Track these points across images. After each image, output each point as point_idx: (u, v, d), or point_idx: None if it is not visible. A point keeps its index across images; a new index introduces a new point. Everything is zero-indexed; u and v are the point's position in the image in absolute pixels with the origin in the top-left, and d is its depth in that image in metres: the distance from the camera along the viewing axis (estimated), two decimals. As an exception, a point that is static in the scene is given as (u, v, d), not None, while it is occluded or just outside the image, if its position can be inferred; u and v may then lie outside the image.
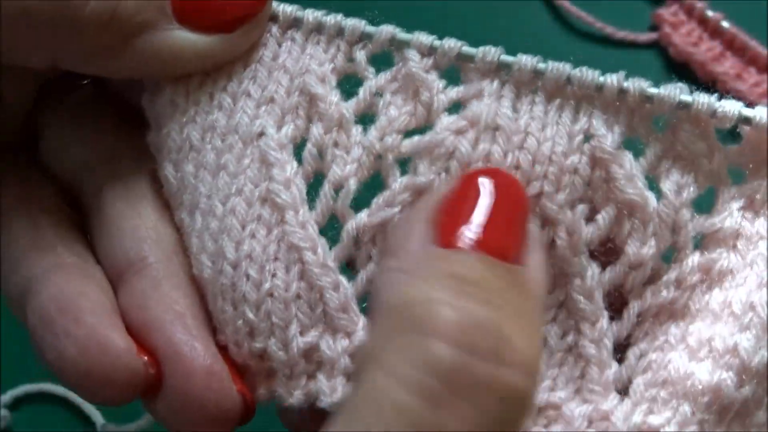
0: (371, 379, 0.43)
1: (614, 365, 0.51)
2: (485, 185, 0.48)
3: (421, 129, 0.52)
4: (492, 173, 0.49)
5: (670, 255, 0.51)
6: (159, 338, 0.50)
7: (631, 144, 0.50)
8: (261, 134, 0.52)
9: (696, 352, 0.49)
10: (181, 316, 0.51)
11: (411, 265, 0.46)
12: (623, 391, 0.51)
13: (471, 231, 0.46)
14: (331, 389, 0.52)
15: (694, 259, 0.50)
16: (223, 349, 0.52)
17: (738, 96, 1.00)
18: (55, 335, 0.50)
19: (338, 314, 0.51)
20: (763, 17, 1.06)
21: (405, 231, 0.48)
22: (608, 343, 0.50)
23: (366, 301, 0.52)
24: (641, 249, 0.50)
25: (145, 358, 0.50)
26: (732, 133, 0.50)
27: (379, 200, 0.51)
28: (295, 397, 0.52)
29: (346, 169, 0.51)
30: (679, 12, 1.09)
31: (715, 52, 1.07)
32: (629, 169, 0.50)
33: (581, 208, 0.50)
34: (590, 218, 0.51)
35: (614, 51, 1.08)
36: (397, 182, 0.51)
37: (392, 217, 0.51)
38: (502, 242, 0.46)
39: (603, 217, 0.50)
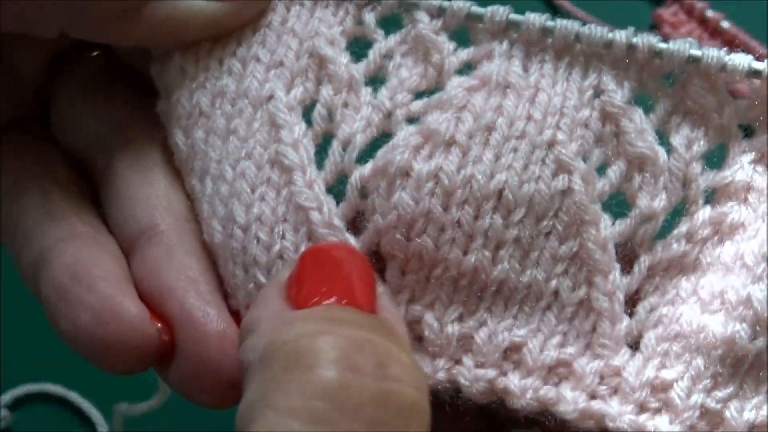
0: (261, 421, 0.43)
1: (626, 319, 0.50)
2: (327, 257, 0.48)
3: (432, 91, 0.52)
4: (326, 248, 0.49)
5: (681, 209, 0.51)
6: (172, 304, 0.50)
7: (642, 101, 0.50)
8: (270, 97, 0.51)
9: (708, 305, 0.49)
10: (193, 282, 0.51)
11: (271, 326, 0.46)
12: (634, 345, 0.51)
13: (322, 293, 0.46)
14: None
15: (705, 212, 0.50)
16: (235, 314, 0.52)
17: (738, 96, 1.00)
18: (68, 304, 0.50)
19: None
20: (763, 17, 1.07)
21: (257, 311, 0.48)
22: (620, 295, 0.50)
23: (374, 260, 0.51)
24: (652, 202, 0.50)
25: (159, 324, 0.50)
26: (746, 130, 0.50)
27: (384, 148, 0.51)
28: None
29: (354, 127, 0.51)
30: (679, 12, 1.09)
31: (714, 52, 1.07)
32: (639, 123, 0.49)
33: (597, 153, 0.50)
34: (602, 171, 0.51)
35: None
36: (404, 130, 0.50)
37: (395, 160, 0.50)
38: (353, 299, 0.46)
39: (614, 171, 0.50)
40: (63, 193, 0.55)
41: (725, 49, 0.48)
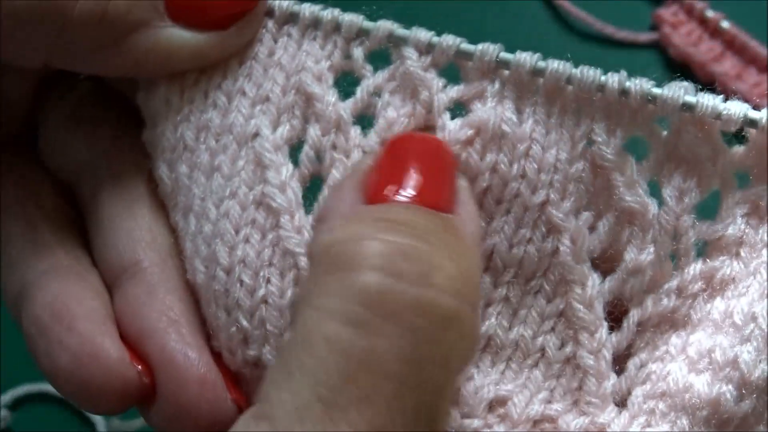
0: (302, 320, 0.43)
1: (613, 377, 0.50)
2: (408, 148, 0.48)
3: (422, 130, 0.51)
4: (411, 138, 0.49)
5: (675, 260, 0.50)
6: (153, 346, 0.50)
7: (635, 143, 0.49)
8: (256, 135, 0.51)
9: (696, 364, 0.48)
10: (175, 323, 0.50)
11: (338, 222, 0.46)
12: (623, 403, 0.50)
13: (397, 187, 0.46)
14: None
15: (695, 267, 0.50)
16: (218, 356, 0.51)
17: (738, 96, 1.00)
18: (48, 343, 0.50)
19: None
20: (763, 17, 1.06)
21: (334, 198, 0.48)
22: (607, 354, 0.50)
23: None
24: (639, 255, 0.49)
25: (139, 366, 0.50)
26: (737, 135, 0.49)
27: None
28: None
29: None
30: (679, 12, 1.09)
31: (715, 52, 1.07)
32: (630, 175, 0.49)
33: (586, 216, 0.50)
34: (592, 226, 0.50)
35: (614, 51, 1.08)
36: None
37: None
38: (431, 195, 0.46)
39: (603, 225, 0.50)
40: (48, 223, 0.54)
41: (721, 96, 0.47)
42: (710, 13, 1.08)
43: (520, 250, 0.49)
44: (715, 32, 1.07)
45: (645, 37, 1.08)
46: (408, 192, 0.46)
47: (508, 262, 0.50)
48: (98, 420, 0.96)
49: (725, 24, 1.07)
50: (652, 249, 0.49)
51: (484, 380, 0.50)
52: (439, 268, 0.43)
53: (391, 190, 0.46)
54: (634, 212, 0.49)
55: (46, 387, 0.96)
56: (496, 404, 0.50)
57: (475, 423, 0.50)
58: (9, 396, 0.95)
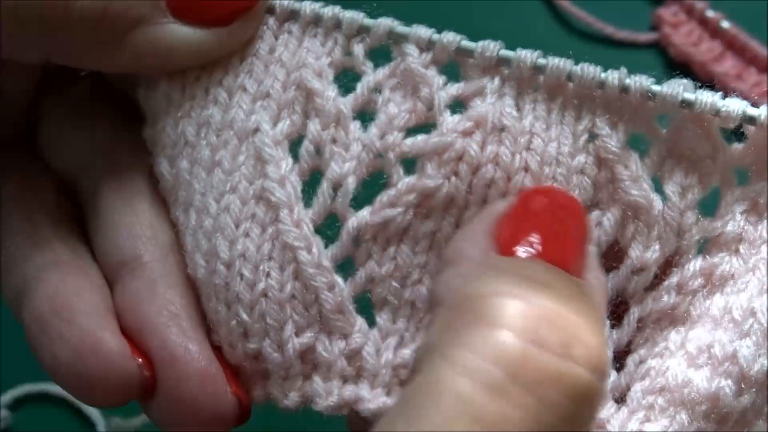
0: (431, 369, 0.42)
1: (612, 374, 0.50)
2: (545, 203, 0.47)
3: (422, 126, 0.51)
4: (549, 192, 0.48)
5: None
6: (153, 340, 0.50)
7: (636, 140, 0.49)
8: (256, 130, 0.51)
9: (695, 359, 0.48)
10: (175, 318, 0.50)
11: (472, 269, 0.45)
12: (622, 399, 0.50)
13: (532, 243, 0.45)
14: (326, 391, 0.51)
15: (696, 263, 0.49)
16: (218, 350, 0.52)
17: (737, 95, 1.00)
18: (49, 337, 0.50)
19: (334, 315, 0.50)
20: (763, 17, 1.06)
21: (463, 243, 0.47)
22: (608, 352, 0.49)
23: (363, 301, 0.51)
24: (645, 253, 0.49)
25: (140, 360, 0.50)
26: (736, 133, 0.49)
27: (383, 198, 0.50)
28: (290, 398, 0.52)
29: (344, 167, 0.50)
30: (679, 12, 1.08)
31: (715, 52, 1.07)
32: (635, 170, 0.49)
33: (595, 215, 0.50)
34: (598, 221, 0.50)
35: (614, 51, 1.08)
36: (403, 182, 0.50)
37: (396, 218, 0.50)
38: (562, 256, 0.45)
39: (608, 219, 0.49)
40: (49, 219, 0.54)
41: (720, 93, 0.47)
42: (710, 13, 1.07)
43: None
44: (715, 32, 1.07)
45: (645, 37, 1.08)
46: (536, 248, 0.45)
47: None
48: (98, 420, 0.96)
49: (725, 24, 1.07)
50: (657, 246, 0.49)
51: None
52: (580, 339, 0.42)
53: (523, 243, 0.45)
54: (640, 207, 0.49)
55: (46, 387, 0.96)
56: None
57: None
58: (9, 396, 0.95)
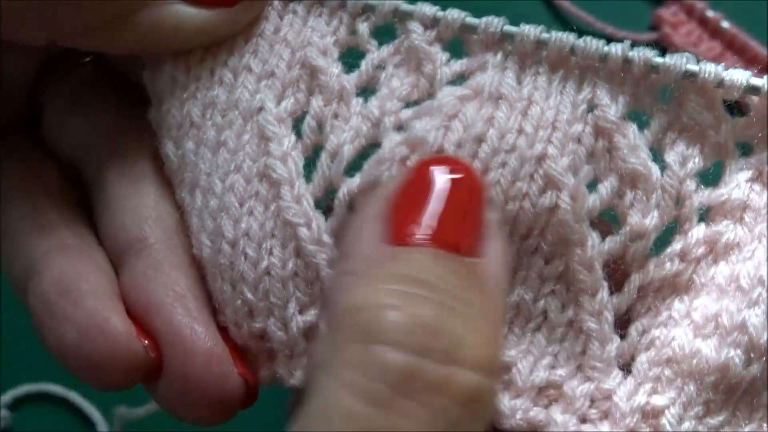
0: (321, 389, 0.42)
1: (616, 339, 0.49)
2: (437, 175, 0.46)
3: (424, 101, 0.51)
4: (443, 161, 0.47)
5: (674, 228, 0.50)
6: (159, 320, 0.50)
7: (637, 117, 0.49)
8: (260, 109, 0.51)
9: (702, 329, 0.48)
10: (181, 298, 0.50)
11: (361, 266, 0.45)
12: (626, 367, 0.50)
13: (423, 225, 0.45)
14: None
15: (699, 230, 0.49)
16: (224, 330, 0.51)
17: (744, 108, 1.00)
18: (55, 318, 0.50)
19: None
20: (763, 17, 1.06)
21: (356, 230, 0.47)
22: (609, 316, 0.49)
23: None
24: (643, 219, 0.49)
25: (146, 341, 0.50)
26: (738, 110, 0.49)
27: (370, 161, 0.50)
28: (296, 377, 0.51)
29: (342, 137, 0.50)
30: (679, 12, 1.09)
31: (715, 52, 1.07)
32: (633, 138, 0.48)
33: (586, 170, 0.49)
34: (593, 187, 0.49)
35: (614, 51, 1.08)
36: (390, 138, 0.49)
37: (382, 174, 0.49)
38: (456, 235, 0.45)
39: (605, 187, 0.49)
40: (53, 203, 0.54)
41: (723, 64, 0.47)
42: (710, 13, 1.08)
43: (516, 205, 0.48)
44: (715, 32, 1.08)
45: (645, 37, 1.08)
46: (428, 230, 0.44)
47: (504, 216, 0.48)
48: (98, 420, 0.95)
49: (725, 24, 1.07)
50: (656, 213, 0.48)
51: None
52: (463, 341, 0.42)
53: (414, 227, 0.45)
54: (638, 175, 0.48)
55: (46, 387, 0.96)
56: (500, 371, 0.50)
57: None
58: (9, 396, 0.95)
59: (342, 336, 0.43)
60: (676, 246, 0.49)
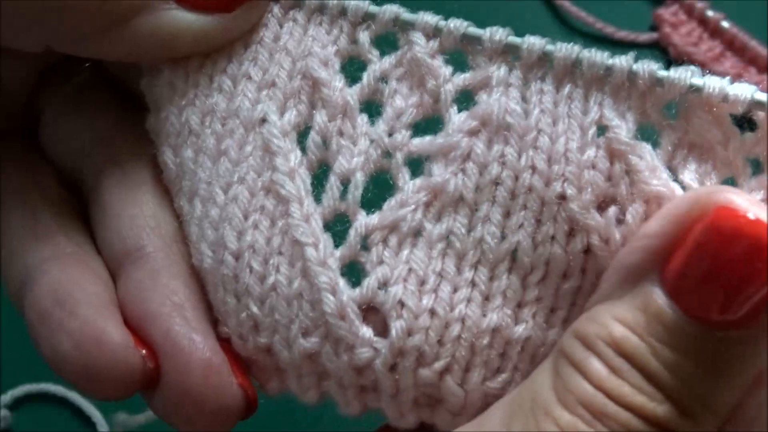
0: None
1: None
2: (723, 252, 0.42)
3: (429, 120, 0.50)
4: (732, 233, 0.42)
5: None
6: (157, 330, 0.49)
7: (645, 132, 0.48)
8: (263, 120, 0.50)
9: None
10: (179, 308, 0.50)
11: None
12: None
13: (705, 304, 0.42)
14: (344, 399, 0.50)
15: None
16: (224, 341, 0.51)
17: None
18: (50, 329, 0.49)
19: (335, 321, 0.48)
20: (763, 17, 1.06)
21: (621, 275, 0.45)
22: None
23: (370, 312, 0.49)
24: None
25: (143, 351, 0.49)
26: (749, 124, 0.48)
27: (391, 202, 0.49)
28: (309, 396, 0.51)
29: (353, 162, 0.50)
30: (679, 12, 1.09)
31: (715, 52, 1.07)
32: (650, 160, 0.47)
33: (613, 211, 0.47)
34: (620, 219, 0.47)
35: (614, 51, 1.07)
36: (410, 183, 0.49)
37: (405, 217, 0.48)
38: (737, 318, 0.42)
39: (632, 215, 0.47)
40: (51, 211, 0.54)
41: (728, 78, 0.46)
42: (710, 13, 1.08)
43: (546, 249, 0.47)
44: (715, 32, 1.07)
45: (645, 37, 1.08)
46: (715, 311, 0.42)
47: (535, 262, 0.47)
48: (99, 420, 0.95)
49: (725, 24, 1.07)
50: None
51: None
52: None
53: (697, 301, 0.42)
54: (663, 197, 0.46)
55: (46, 387, 0.96)
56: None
57: None
58: (9, 396, 0.95)
59: (564, 349, 0.44)
60: None
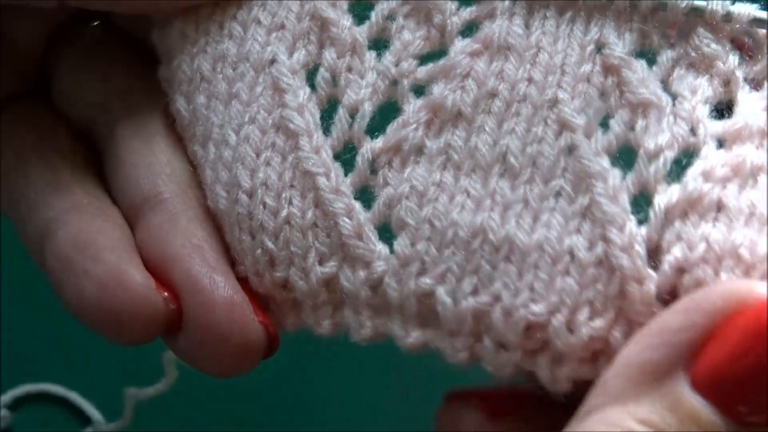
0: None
1: (652, 276, 0.46)
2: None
3: (436, 52, 0.51)
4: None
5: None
6: (178, 272, 0.50)
7: (646, 56, 0.49)
8: (272, 61, 0.51)
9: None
10: (199, 249, 0.50)
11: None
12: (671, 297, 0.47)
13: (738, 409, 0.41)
14: (358, 324, 0.51)
15: (718, 153, 0.47)
16: (243, 281, 0.51)
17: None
18: (73, 274, 0.49)
19: (353, 241, 0.50)
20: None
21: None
22: (640, 249, 0.46)
23: (385, 231, 0.51)
24: (656, 139, 0.47)
25: (165, 293, 0.50)
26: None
27: (394, 124, 0.51)
28: (324, 326, 0.51)
29: (360, 93, 0.51)
30: (677, 11, 1.10)
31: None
32: (641, 72, 0.48)
33: (596, 106, 0.48)
34: (606, 124, 0.49)
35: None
36: (412, 104, 0.50)
37: (407, 136, 0.50)
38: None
39: (617, 122, 0.48)
40: (66, 165, 0.54)
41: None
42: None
43: (533, 148, 0.48)
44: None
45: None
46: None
47: (522, 162, 0.48)
48: (99, 420, 0.95)
49: (722, 22, 1.08)
50: (668, 134, 0.47)
51: (513, 300, 0.47)
52: None
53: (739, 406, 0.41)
54: (648, 103, 0.48)
55: (46, 387, 0.96)
56: (533, 329, 0.47)
57: (515, 356, 0.48)
58: (9, 396, 0.95)
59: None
60: (696, 168, 0.47)
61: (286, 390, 0.90)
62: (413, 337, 0.50)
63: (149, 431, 0.91)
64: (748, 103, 0.48)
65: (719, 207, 0.46)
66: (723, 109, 0.48)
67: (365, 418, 0.94)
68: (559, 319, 0.47)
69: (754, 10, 0.47)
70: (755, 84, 0.48)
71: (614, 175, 0.47)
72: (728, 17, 0.47)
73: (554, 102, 0.49)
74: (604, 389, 0.43)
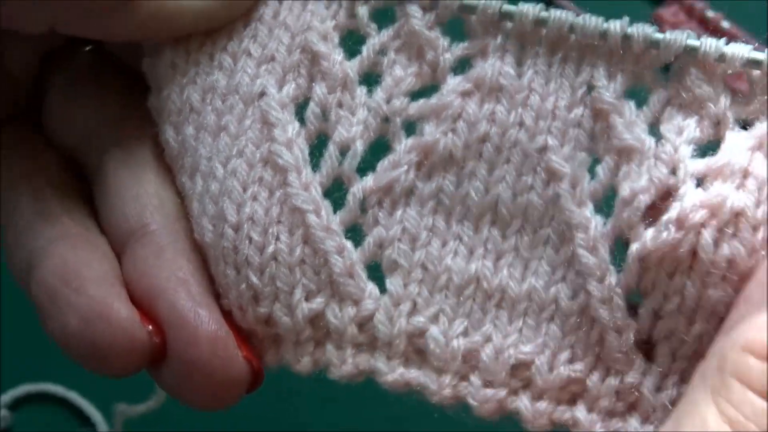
0: (698, 407, 0.43)
1: (632, 325, 0.48)
2: None
3: (428, 89, 0.51)
4: None
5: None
6: (162, 305, 0.50)
7: (637, 95, 0.49)
8: (262, 94, 0.51)
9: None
10: (184, 283, 0.50)
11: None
12: (645, 347, 0.49)
13: None
14: (340, 360, 0.51)
15: (695, 194, 0.46)
16: (228, 315, 0.51)
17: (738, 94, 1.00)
18: (57, 306, 0.49)
19: (343, 279, 0.50)
20: (763, 17, 1.07)
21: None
22: (619, 301, 0.48)
23: (373, 269, 0.51)
24: (633, 184, 0.47)
25: (150, 326, 0.50)
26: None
27: (384, 163, 0.50)
28: (303, 364, 0.51)
29: (352, 131, 0.51)
30: (679, 12, 1.09)
31: (715, 52, 1.07)
32: (629, 116, 0.48)
33: (582, 156, 0.49)
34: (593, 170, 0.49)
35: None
36: (403, 143, 0.50)
37: (399, 178, 0.50)
38: None
39: (603, 167, 0.49)
40: (55, 193, 0.54)
41: (724, 39, 0.47)
42: (710, 13, 1.08)
43: (524, 198, 0.49)
44: (714, 32, 1.08)
45: (645, 37, 1.08)
46: None
47: (513, 212, 0.49)
48: (99, 420, 0.95)
49: (725, 24, 1.07)
50: (646, 177, 0.47)
51: (503, 342, 0.50)
52: None
53: None
54: (632, 149, 0.48)
55: (46, 387, 0.96)
56: (518, 368, 0.50)
57: (500, 393, 0.50)
58: (9, 396, 0.95)
59: (730, 367, 0.43)
60: (672, 212, 0.47)
61: (279, 410, 0.90)
62: (398, 374, 0.50)
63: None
64: (734, 141, 0.47)
65: (692, 263, 0.47)
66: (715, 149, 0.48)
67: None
68: (541, 359, 0.49)
69: (749, 52, 0.46)
70: (746, 125, 0.48)
71: (595, 224, 0.48)
72: (722, 59, 0.47)
73: (544, 149, 0.49)
74: (747, 302, 0.45)
